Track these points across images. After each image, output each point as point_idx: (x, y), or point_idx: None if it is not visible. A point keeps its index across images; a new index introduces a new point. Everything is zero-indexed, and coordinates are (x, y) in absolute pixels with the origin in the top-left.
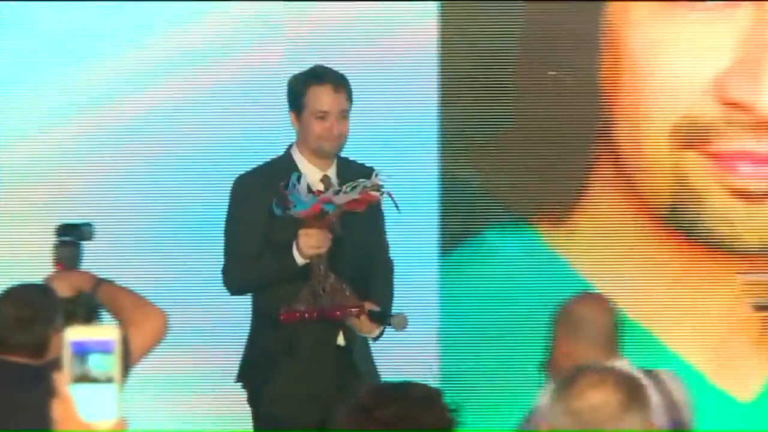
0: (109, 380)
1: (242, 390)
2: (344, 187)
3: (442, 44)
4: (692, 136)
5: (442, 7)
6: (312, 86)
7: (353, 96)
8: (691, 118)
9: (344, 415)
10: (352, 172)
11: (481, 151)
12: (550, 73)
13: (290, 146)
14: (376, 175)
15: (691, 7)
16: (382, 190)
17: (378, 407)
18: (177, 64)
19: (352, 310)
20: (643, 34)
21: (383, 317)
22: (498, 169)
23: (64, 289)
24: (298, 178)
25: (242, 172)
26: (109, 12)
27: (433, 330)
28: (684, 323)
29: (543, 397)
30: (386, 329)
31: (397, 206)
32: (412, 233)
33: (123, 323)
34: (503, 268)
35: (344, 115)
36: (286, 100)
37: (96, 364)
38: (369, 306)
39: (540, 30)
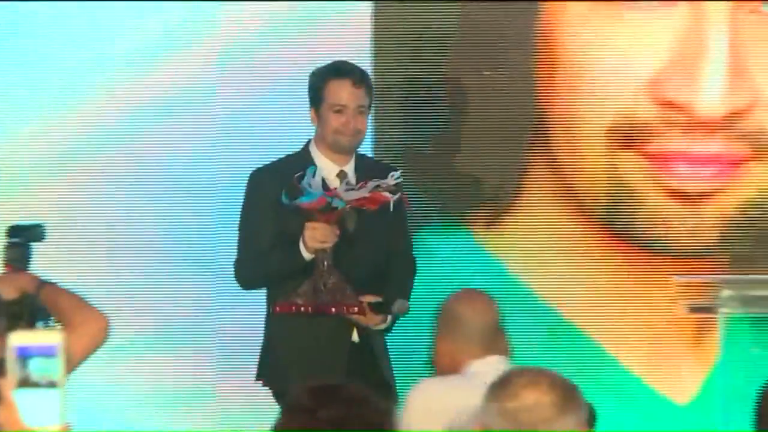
0: (52, 385)
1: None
2: (359, 184)
3: (376, 44)
4: (629, 136)
5: (375, 7)
6: (331, 80)
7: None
8: (628, 118)
9: (285, 416)
10: (370, 169)
11: (414, 153)
12: (485, 73)
13: (308, 142)
14: (393, 176)
15: (627, 6)
16: (394, 192)
17: (320, 407)
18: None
19: (351, 308)
20: (579, 34)
21: (384, 306)
22: (432, 170)
23: (8, 291)
24: (314, 172)
25: (258, 167)
26: (109, 10)
27: None
28: (620, 325)
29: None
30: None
31: (408, 209)
32: None
33: (64, 327)
34: (438, 271)
35: (363, 110)
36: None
37: (39, 368)
38: (369, 299)
39: (474, 30)
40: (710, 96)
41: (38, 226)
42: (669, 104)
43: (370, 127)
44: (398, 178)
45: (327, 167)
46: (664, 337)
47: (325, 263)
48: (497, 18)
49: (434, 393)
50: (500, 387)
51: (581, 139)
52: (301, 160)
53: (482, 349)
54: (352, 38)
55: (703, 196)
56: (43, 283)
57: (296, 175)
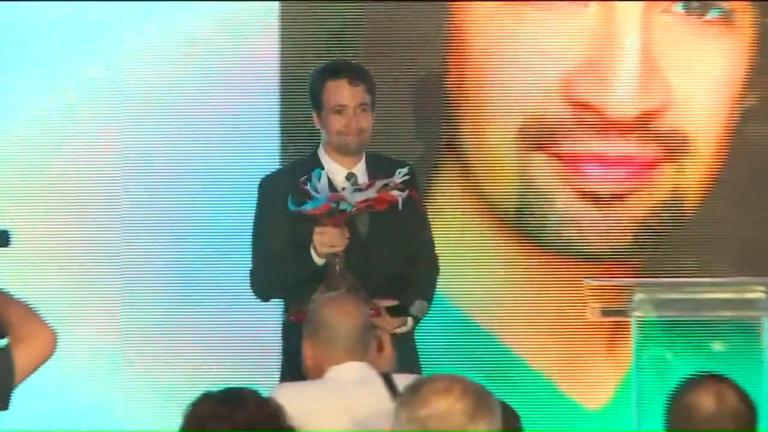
0: None
1: None
2: (366, 184)
3: (283, 44)
4: (540, 137)
5: (282, 7)
6: (328, 81)
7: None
8: (539, 118)
9: (195, 427)
10: (382, 168)
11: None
12: (393, 72)
13: (318, 147)
14: (400, 174)
15: (538, 6)
16: (402, 189)
17: (234, 411)
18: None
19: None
20: (489, 33)
21: (401, 309)
22: None
23: None
24: (320, 175)
25: (267, 174)
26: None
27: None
28: (531, 329)
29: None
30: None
31: (421, 206)
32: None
33: (10, 339)
34: None
35: (364, 108)
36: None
37: None
38: (386, 302)
39: (383, 29)
40: (622, 96)
41: (3, 231)
42: (581, 105)
43: (277, 128)
44: (405, 175)
45: (336, 170)
46: (575, 341)
47: (338, 268)
48: (407, 17)
49: (286, 398)
50: (411, 394)
51: (491, 140)
52: (310, 166)
53: (345, 355)
54: (260, 39)
55: (615, 198)
56: None
57: (302, 179)
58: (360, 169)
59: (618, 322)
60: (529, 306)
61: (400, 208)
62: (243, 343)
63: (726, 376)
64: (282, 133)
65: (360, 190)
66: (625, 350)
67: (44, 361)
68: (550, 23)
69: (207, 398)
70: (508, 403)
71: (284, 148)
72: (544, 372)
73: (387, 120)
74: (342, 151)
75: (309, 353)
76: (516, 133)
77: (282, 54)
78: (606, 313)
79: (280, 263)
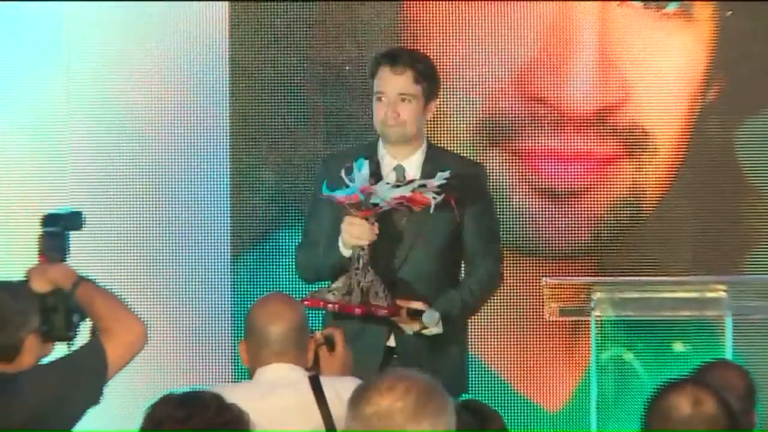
0: None
1: None
2: (407, 181)
3: (232, 42)
4: (495, 133)
5: (233, 6)
6: (379, 68)
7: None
8: (494, 113)
9: (141, 425)
10: (439, 166)
11: (272, 151)
12: (347, 68)
13: None
14: (440, 176)
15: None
16: (438, 193)
17: (194, 415)
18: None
19: (379, 310)
20: (445, 29)
21: (419, 314)
22: (289, 169)
23: (41, 283)
24: (362, 166)
25: (331, 152)
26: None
27: (228, 328)
28: (487, 329)
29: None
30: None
31: (457, 213)
32: (204, 234)
33: (100, 331)
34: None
35: (405, 98)
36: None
37: None
38: (412, 304)
39: (337, 26)
40: (579, 91)
41: (76, 213)
42: (536, 99)
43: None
44: (445, 179)
45: (386, 160)
46: (533, 341)
47: (362, 261)
48: (361, 14)
49: None
50: (359, 391)
51: (446, 136)
52: (368, 151)
53: (273, 357)
54: (210, 37)
55: (572, 194)
56: (79, 280)
57: (346, 166)
58: (412, 163)
59: (576, 321)
60: (486, 304)
61: (431, 211)
62: (197, 342)
63: (707, 384)
64: (232, 134)
65: (398, 185)
66: (583, 350)
67: (136, 353)
68: (505, 16)
69: (167, 400)
70: (494, 409)
71: (232, 145)
72: (500, 373)
73: (340, 117)
74: (384, 140)
75: (243, 355)
76: (472, 129)
77: (232, 53)
78: (564, 312)
79: (316, 246)
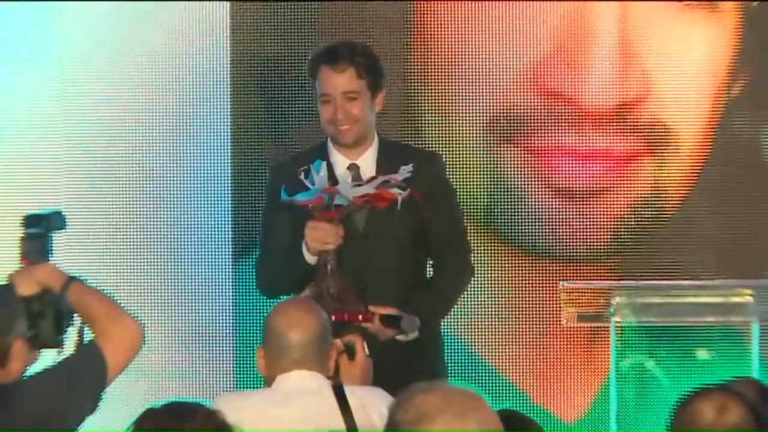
0: None
1: None
2: (367, 179)
3: (233, 42)
4: (511, 130)
5: (233, 5)
6: (320, 68)
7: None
8: (510, 110)
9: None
10: (395, 160)
11: (274, 152)
12: None
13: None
14: (404, 171)
15: None
16: (404, 188)
17: (186, 422)
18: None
19: (353, 316)
20: (456, 22)
21: (395, 320)
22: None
23: (27, 286)
24: (320, 167)
25: (278, 159)
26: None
27: (231, 331)
28: (502, 336)
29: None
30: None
31: (425, 207)
32: (205, 237)
33: (96, 335)
34: None
35: (353, 96)
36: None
37: None
38: (380, 310)
39: (336, 26)
40: (598, 86)
41: (57, 213)
42: (554, 95)
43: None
44: (409, 172)
45: (338, 161)
46: (549, 348)
47: (329, 266)
48: (369, 10)
49: (226, 408)
50: (400, 401)
51: (459, 133)
52: (318, 153)
53: (294, 365)
54: (211, 37)
55: (591, 194)
56: (69, 281)
57: (301, 169)
58: (366, 161)
59: (595, 327)
60: (500, 310)
61: (398, 207)
62: (199, 346)
63: (737, 391)
64: (234, 135)
65: (359, 184)
66: (602, 358)
67: (134, 356)
68: (522, 11)
69: (152, 414)
70: (531, 418)
71: (234, 146)
72: (515, 382)
73: None
74: (335, 141)
75: (260, 361)
76: (486, 126)
77: (232, 53)
78: (582, 318)
79: (275, 257)
